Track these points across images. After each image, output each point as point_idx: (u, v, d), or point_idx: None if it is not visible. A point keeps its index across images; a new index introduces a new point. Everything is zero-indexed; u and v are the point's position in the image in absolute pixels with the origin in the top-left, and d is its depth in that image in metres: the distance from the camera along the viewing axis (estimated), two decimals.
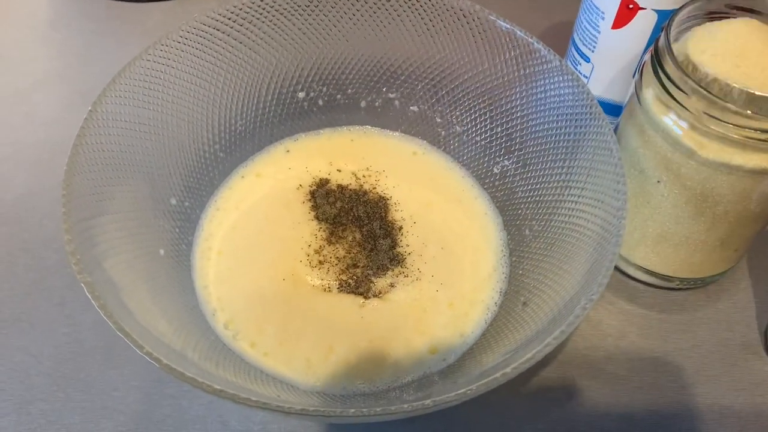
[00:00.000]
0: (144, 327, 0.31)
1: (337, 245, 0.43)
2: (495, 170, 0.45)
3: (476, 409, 0.40)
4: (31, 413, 0.40)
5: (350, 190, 0.45)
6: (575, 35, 0.50)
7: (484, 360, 0.35)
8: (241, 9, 0.42)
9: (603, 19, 0.45)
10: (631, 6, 0.43)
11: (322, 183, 0.46)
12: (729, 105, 0.34)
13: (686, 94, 0.36)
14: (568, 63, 0.51)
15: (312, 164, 0.47)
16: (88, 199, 0.34)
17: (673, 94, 0.36)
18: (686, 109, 0.36)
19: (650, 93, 0.38)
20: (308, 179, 0.46)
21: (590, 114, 0.38)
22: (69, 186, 0.33)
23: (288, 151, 0.48)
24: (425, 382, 0.37)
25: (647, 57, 0.40)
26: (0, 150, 0.52)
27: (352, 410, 0.27)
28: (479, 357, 0.36)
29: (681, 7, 0.39)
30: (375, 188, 0.46)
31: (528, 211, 0.42)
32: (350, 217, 0.44)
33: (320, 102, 0.48)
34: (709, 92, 0.34)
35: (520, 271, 0.41)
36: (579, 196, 0.38)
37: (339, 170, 0.47)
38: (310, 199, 0.45)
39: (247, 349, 0.38)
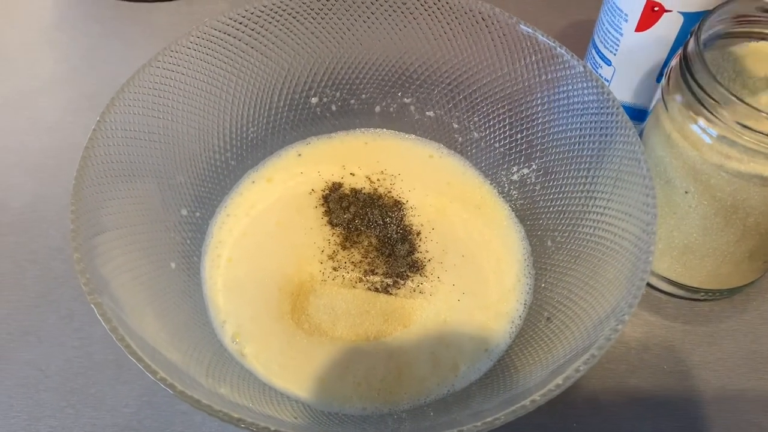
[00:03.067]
0: (155, 349, 0.30)
1: (352, 250, 0.42)
2: (514, 178, 0.44)
3: None
4: (40, 430, 0.39)
5: (364, 194, 0.44)
6: (596, 37, 0.48)
7: (510, 381, 0.34)
8: (252, 12, 0.40)
9: (626, 21, 0.44)
10: (656, 8, 0.42)
11: (335, 187, 0.45)
12: (764, 113, 0.33)
13: (717, 102, 0.34)
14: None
15: (324, 168, 0.46)
16: (97, 213, 0.33)
17: (703, 101, 0.35)
18: (717, 117, 0.34)
19: (678, 99, 0.37)
20: (321, 183, 0.45)
21: (616, 122, 0.36)
22: (78, 201, 0.32)
23: (299, 155, 0.47)
24: (449, 401, 0.35)
25: (674, 62, 0.38)
26: (5, 157, 0.51)
27: None
28: (505, 376, 0.35)
29: (711, 11, 0.37)
30: (390, 192, 0.45)
31: (550, 222, 0.41)
32: (365, 222, 0.43)
33: (333, 107, 0.47)
34: (743, 101, 0.33)
35: (543, 284, 0.39)
36: (605, 208, 0.36)
37: (352, 174, 0.46)
38: (322, 204, 0.44)
39: (257, 367, 0.37)
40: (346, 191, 0.44)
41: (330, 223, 0.43)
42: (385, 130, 0.48)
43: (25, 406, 0.40)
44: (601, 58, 0.48)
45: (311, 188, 0.45)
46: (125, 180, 0.36)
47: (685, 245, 0.40)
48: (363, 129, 0.48)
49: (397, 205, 0.44)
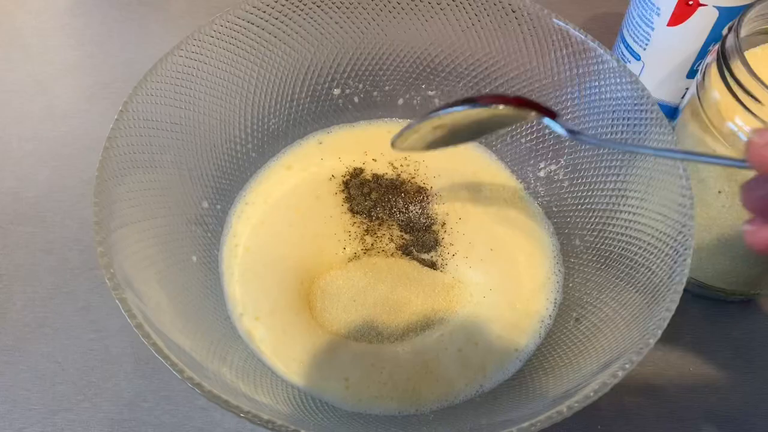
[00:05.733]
0: (179, 346, 0.29)
1: (374, 240, 0.41)
2: (541, 174, 0.43)
3: None
4: (57, 424, 0.39)
5: (386, 179, 0.43)
6: (624, 31, 0.47)
7: (540, 384, 0.33)
8: (276, 2, 0.39)
9: (658, 15, 0.43)
10: (690, 2, 0.41)
11: (356, 173, 0.44)
12: None
13: (757, 100, 0.33)
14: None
15: (346, 155, 0.45)
16: (119, 206, 0.32)
17: (741, 99, 0.34)
18: (755, 115, 0.33)
19: (714, 96, 0.36)
20: (341, 169, 0.44)
21: (651, 120, 0.35)
22: (100, 193, 0.31)
23: (320, 143, 0.46)
24: (477, 402, 0.35)
25: (711, 58, 0.37)
26: (21, 145, 0.50)
27: None
28: (534, 378, 0.34)
29: (750, 5, 0.36)
30: (413, 178, 0.44)
31: (578, 220, 0.40)
32: (387, 209, 0.42)
33: (356, 99, 0.46)
34: None
35: (571, 284, 0.39)
36: (637, 207, 0.35)
37: (374, 160, 0.44)
38: (343, 190, 0.43)
39: (278, 365, 0.36)
40: (368, 177, 0.43)
41: (351, 210, 0.42)
42: (409, 120, 0.47)
43: (42, 399, 0.39)
44: (630, 53, 0.47)
45: (331, 174, 0.44)
46: (147, 171, 0.35)
47: (716, 246, 0.39)
48: (386, 118, 0.47)
49: (421, 191, 0.43)
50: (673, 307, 0.29)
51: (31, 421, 0.38)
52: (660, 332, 0.28)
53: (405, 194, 0.43)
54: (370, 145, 0.45)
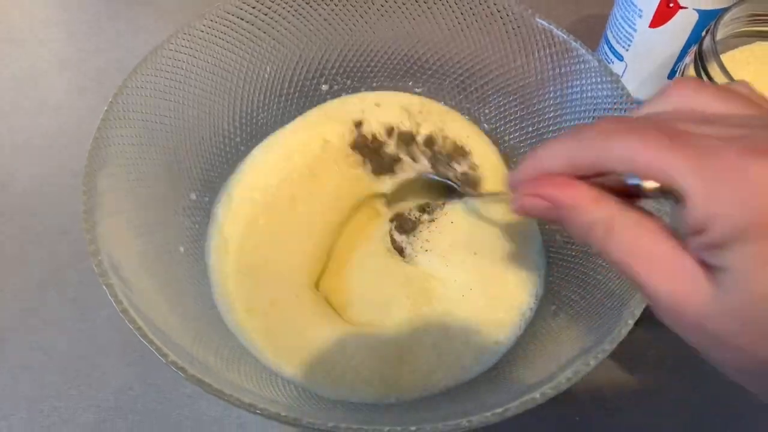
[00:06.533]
0: (165, 332, 0.29)
1: (367, 227, 0.42)
2: None
3: None
4: (44, 411, 0.39)
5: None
6: (608, 32, 0.48)
7: (518, 374, 0.34)
8: None
9: (640, 17, 0.44)
10: (671, 4, 0.42)
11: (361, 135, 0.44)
12: None
13: None
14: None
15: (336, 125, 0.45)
16: (108, 196, 0.33)
17: None
18: None
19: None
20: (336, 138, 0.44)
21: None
22: (89, 183, 0.31)
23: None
24: (455, 392, 0.35)
25: (689, 59, 0.38)
26: (12, 137, 0.51)
27: (387, 429, 0.26)
28: (512, 369, 0.35)
29: (727, 9, 0.37)
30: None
31: None
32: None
33: (344, 95, 0.46)
34: None
35: (551, 277, 0.39)
36: None
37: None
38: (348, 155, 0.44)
39: (263, 352, 0.37)
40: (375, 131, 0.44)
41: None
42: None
43: (29, 387, 0.40)
44: (613, 54, 0.48)
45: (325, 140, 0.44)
46: (135, 163, 0.36)
47: None
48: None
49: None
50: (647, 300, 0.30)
51: (19, 408, 0.39)
52: (632, 322, 0.29)
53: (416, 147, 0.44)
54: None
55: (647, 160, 0.21)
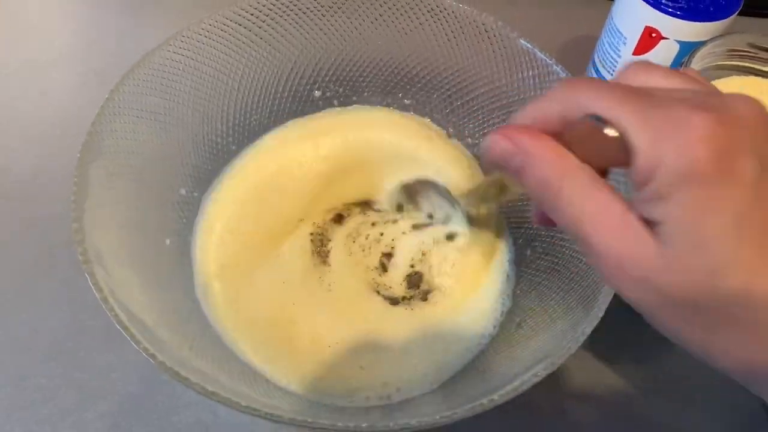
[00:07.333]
0: (143, 321, 0.31)
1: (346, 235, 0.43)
2: None
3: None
4: (27, 388, 0.41)
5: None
6: (596, 56, 0.50)
7: (472, 386, 0.35)
8: (264, 5, 0.42)
9: (625, 44, 0.45)
10: (653, 35, 0.43)
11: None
12: None
13: None
14: None
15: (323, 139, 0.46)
16: (98, 187, 0.34)
17: None
18: None
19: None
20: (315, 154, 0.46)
21: None
22: (81, 174, 0.33)
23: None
24: (414, 402, 0.37)
25: None
26: (13, 125, 0.53)
27: (352, 425, 0.28)
28: (469, 379, 0.36)
29: (702, 43, 0.39)
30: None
31: (531, 231, 0.42)
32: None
33: (335, 102, 0.48)
34: None
35: (518, 291, 0.41)
36: None
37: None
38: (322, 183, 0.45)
39: (241, 348, 0.38)
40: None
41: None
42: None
43: (14, 362, 0.42)
44: (599, 77, 0.49)
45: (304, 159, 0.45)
46: (128, 157, 0.37)
47: None
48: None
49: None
50: (600, 314, 0.31)
51: (3, 383, 0.41)
52: (583, 338, 0.31)
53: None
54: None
55: (602, 109, 0.22)
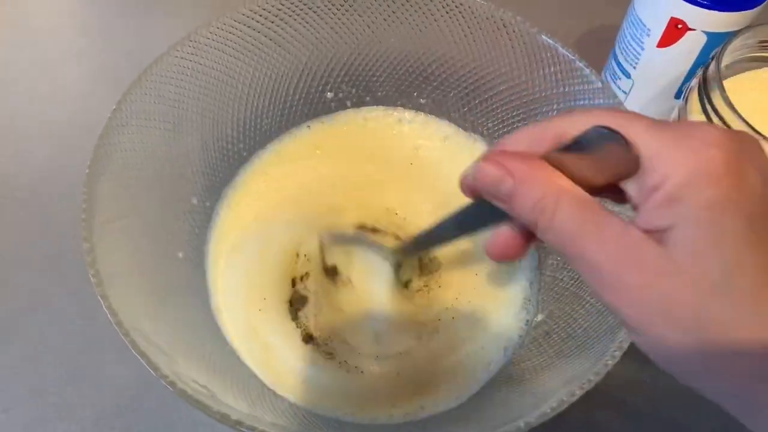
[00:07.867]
0: (158, 344, 0.30)
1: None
2: None
3: None
4: (43, 406, 0.40)
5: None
6: (617, 48, 0.48)
7: (502, 401, 0.34)
8: (273, 5, 0.40)
9: (648, 36, 0.43)
10: (679, 26, 0.41)
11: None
12: None
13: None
14: (610, 82, 0.49)
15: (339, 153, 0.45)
16: (108, 202, 0.33)
17: None
18: None
19: (695, 120, 0.37)
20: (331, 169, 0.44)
21: None
22: (90, 191, 0.32)
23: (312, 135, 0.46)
24: (440, 418, 0.36)
25: (694, 83, 0.38)
26: (24, 125, 0.52)
27: None
28: (498, 395, 0.35)
29: (735, 33, 0.37)
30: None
31: None
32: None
33: (348, 104, 0.47)
34: (759, 133, 0.33)
35: (544, 297, 0.40)
36: None
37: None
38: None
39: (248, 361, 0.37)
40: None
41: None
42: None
43: (29, 380, 0.41)
44: (620, 70, 0.48)
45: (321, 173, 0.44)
46: (137, 168, 0.36)
47: None
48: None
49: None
50: None
51: (20, 401, 0.40)
52: (620, 354, 0.29)
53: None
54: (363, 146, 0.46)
55: (612, 122, 0.22)
